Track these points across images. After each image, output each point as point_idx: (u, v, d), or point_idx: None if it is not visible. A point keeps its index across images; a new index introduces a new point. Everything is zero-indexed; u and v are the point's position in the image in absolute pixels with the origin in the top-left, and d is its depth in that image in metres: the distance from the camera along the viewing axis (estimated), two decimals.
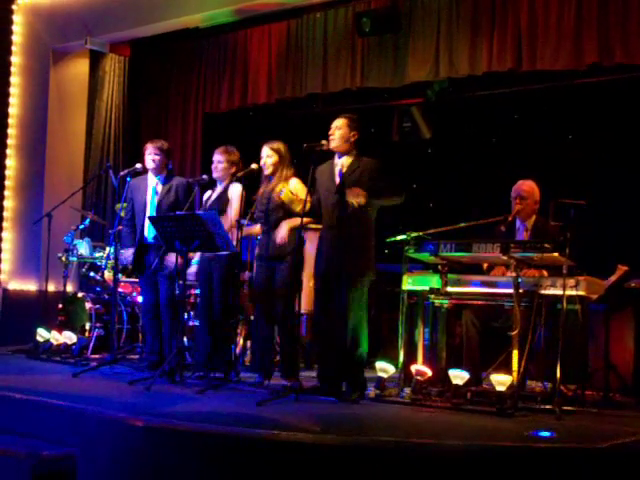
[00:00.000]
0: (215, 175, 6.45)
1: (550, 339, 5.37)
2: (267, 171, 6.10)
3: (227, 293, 6.19)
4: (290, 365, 5.89)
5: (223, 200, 6.35)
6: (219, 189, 6.47)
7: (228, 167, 6.39)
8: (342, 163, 5.77)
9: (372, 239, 5.70)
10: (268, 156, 6.08)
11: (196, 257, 6.81)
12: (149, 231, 6.65)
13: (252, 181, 6.26)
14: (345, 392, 5.59)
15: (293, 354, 5.96)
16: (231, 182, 6.39)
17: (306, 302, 6.37)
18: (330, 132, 5.76)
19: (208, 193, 6.58)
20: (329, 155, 5.82)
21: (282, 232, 5.87)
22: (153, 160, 6.72)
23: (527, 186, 6.06)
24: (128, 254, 6.75)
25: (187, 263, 6.48)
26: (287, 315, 5.91)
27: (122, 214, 6.99)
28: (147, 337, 6.90)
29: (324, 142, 5.72)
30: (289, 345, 5.96)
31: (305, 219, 5.69)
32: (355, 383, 5.62)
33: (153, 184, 6.80)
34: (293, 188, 5.96)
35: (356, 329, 5.58)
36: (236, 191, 6.29)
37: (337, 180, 5.73)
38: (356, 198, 5.47)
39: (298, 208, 5.75)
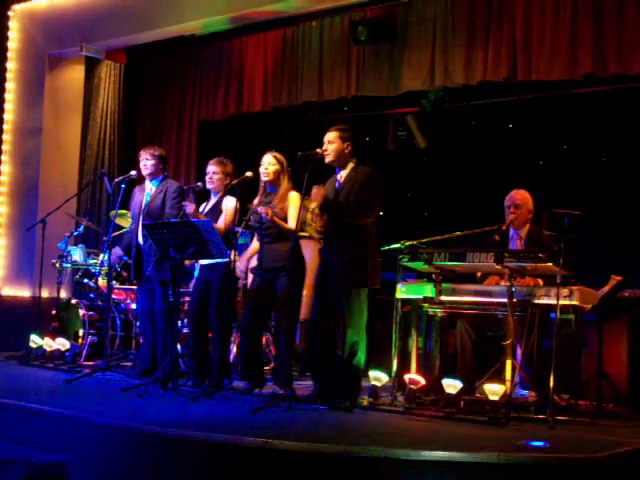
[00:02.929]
0: (210, 186, 6.41)
1: (544, 348, 5.38)
2: (266, 178, 6.04)
3: (223, 301, 6.18)
4: (286, 374, 5.88)
5: (217, 211, 6.35)
6: (213, 200, 6.45)
7: (223, 178, 6.37)
8: (341, 175, 5.76)
9: (371, 249, 5.67)
10: (270, 163, 6.02)
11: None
12: (142, 237, 6.64)
13: (245, 189, 6.24)
14: (336, 400, 5.56)
15: (289, 364, 5.95)
16: (225, 194, 6.37)
17: (302, 311, 6.37)
18: (324, 147, 5.70)
19: (203, 205, 6.57)
20: (324, 164, 5.77)
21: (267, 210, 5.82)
22: (145, 165, 6.74)
23: (521, 195, 6.07)
24: (117, 253, 6.95)
25: (184, 271, 6.51)
26: (286, 327, 5.91)
27: (116, 221, 6.99)
28: (141, 345, 6.90)
29: (319, 150, 5.67)
30: (286, 356, 5.94)
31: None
32: (348, 392, 5.59)
33: (149, 189, 6.82)
34: (292, 201, 5.95)
35: (353, 339, 5.55)
36: (230, 204, 6.25)
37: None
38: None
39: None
